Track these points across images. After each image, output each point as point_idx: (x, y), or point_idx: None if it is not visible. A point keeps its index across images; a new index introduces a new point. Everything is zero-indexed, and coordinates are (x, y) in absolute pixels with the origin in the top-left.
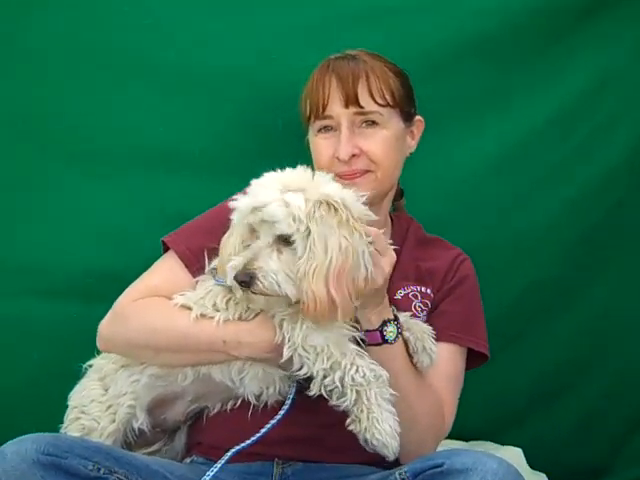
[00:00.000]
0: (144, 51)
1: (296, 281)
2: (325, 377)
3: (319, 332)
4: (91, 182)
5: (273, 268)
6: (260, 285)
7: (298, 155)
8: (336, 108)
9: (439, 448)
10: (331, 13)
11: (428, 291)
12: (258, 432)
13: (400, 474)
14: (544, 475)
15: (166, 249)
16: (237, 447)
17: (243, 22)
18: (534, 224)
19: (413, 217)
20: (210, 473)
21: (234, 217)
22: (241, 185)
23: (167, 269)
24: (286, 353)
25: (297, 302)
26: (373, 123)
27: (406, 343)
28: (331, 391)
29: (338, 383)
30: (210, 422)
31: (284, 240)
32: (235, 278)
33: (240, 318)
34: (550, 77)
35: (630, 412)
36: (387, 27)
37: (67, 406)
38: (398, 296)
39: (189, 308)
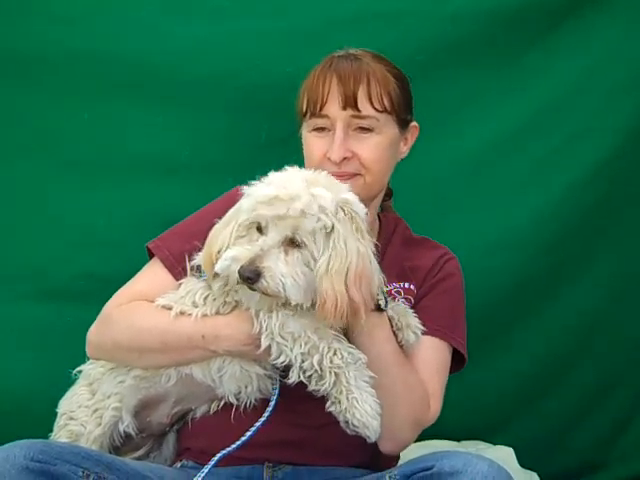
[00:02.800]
0: (131, 60)
1: (302, 285)
2: (304, 362)
3: (295, 319)
4: (82, 188)
5: (282, 270)
6: (265, 285)
7: (283, 160)
8: (333, 109)
9: (430, 450)
10: (314, 19)
11: (411, 287)
12: (244, 435)
13: (390, 477)
14: (535, 474)
15: (151, 255)
16: (223, 451)
17: (228, 28)
18: (517, 224)
19: (402, 217)
20: (197, 478)
21: (244, 204)
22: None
23: (151, 274)
24: (264, 342)
25: (286, 303)
26: (368, 129)
27: (389, 320)
28: (310, 376)
29: (317, 366)
30: (196, 427)
31: (292, 242)
32: (240, 271)
33: (218, 313)
34: (529, 79)
35: (619, 409)
36: (369, 31)
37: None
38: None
39: (170, 308)
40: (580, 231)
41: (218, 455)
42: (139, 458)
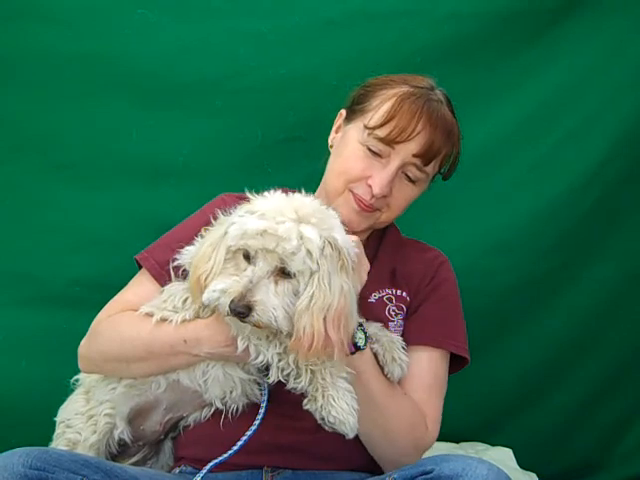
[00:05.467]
0: (125, 62)
1: (292, 315)
2: (280, 361)
3: None
4: (78, 192)
5: (274, 303)
6: (256, 318)
7: (279, 163)
8: (407, 149)
9: (429, 452)
10: (310, 20)
11: (404, 294)
12: (236, 444)
13: None
14: (534, 475)
15: (140, 266)
16: (215, 460)
17: (222, 31)
18: (514, 226)
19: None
20: None
21: (232, 232)
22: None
23: (139, 284)
24: (240, 344)
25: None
26: (413, 180)
27: (375, 355)
28: (288, 374)
29: (292, 365)
30: (190, 435)
31: (283, 272)
32: (231, 307)
33: (198, 317)
34: (527, 79)
35: (619, 410)
36: (365, 32)
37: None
38: (372, 299)
39: (153, 315)
40: (578, 233)
41: (210, 464)
42: (136, 464)
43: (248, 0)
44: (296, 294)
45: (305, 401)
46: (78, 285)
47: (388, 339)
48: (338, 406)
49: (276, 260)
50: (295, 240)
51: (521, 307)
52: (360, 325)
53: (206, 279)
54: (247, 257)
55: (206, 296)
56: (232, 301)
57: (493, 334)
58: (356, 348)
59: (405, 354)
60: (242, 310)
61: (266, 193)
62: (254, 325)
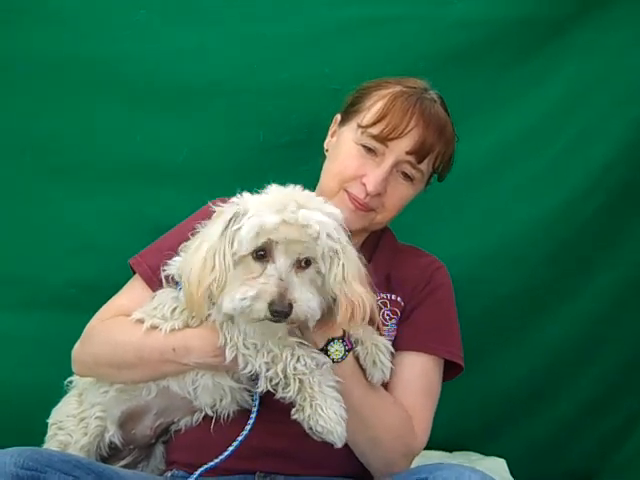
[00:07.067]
0: (126, 65)
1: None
2: (268, 370)
3: (257, 329)
4: (73, 195)
5: (308, 296)
6: (296, 316)
7: (279, 167)
8: (401, 146)
9: (422, 460)
10: (313, 24)
11: (398, 299)
12: (227, 450)
13: None
14: None
15: (134, 271)
16: (205, 465)
17: (223, 34)
18: (515, 234)
19: (388, 226)
20: None
21: (244, 234)
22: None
23: (132, 289)
24: (228, 354)
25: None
26: (410, 177)
27: (357, 358)
28: (277, 384)
29: (281, 374)
30: (181, 440)
31: (303, 262)
32: (274, 309)
33: (187, 326)
34: (530, 88)
35: (613, 421)
36: (370, 38)
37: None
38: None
39: (144, 321)
40: (578, 243)
41: (200, 470)
42: (126, 467)
43: (251, 4)
44: (314, 280)
45: (293, 410)
46: (74, 287)
47: (372, 342)
48: (326, 415)
49: (298, 250)
50: (317, 225)
51: (519, 316)
52: (342, 338)
53: (217, 288)
54: (259, 257)
55: (231, 306)
56: (271, 303)
57: (489, 343)
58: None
59: (388, 358)
60: (286, 310)
61: (245, 194)
62: (290, 323)
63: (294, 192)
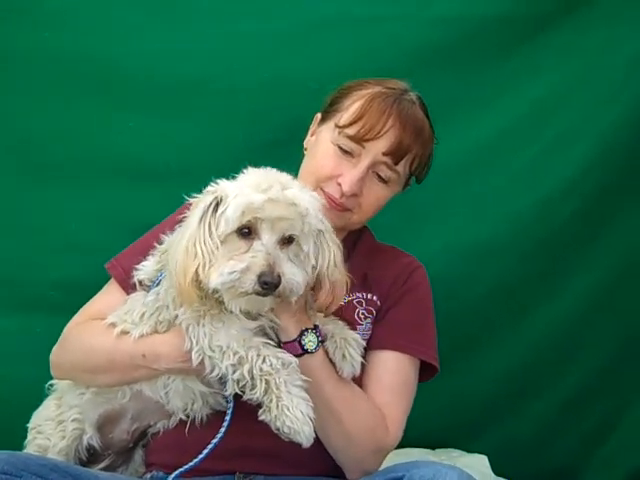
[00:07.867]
0: (110, 62)
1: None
2: (234, 372)
3: (223, 331)
4: (57, 195)
5: (294, 271)
6: (282, 289)
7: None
8: (377, 147)
9: (403, 458)
10: (294, 23)
11: (374, 298)
12: (201, 453)
13: None
14: None
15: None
16: (181, 469)
17: (205, 33)
18: (495, 232)
19: (367, 225)
20: None
21: (230, 213)
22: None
23: (107, 292)
24: (195, 358)
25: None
26: (385, 180)
27: (326, 352)
28: (244, 386)
29: (247, 376)
30: (159, 442)
31: (283, 240)
32: (265, 280)
33: (156, 331)
34: (512, 85)
35: (596, 419)
36: (351, 36)
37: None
38: (342, 302)
39: (117, 326)
40: (556, 242)
41: (176, 472)
42: (105, 469)
43: (233, 3)
44: (297, 257)
45: (260, 411)
46: (56, 288)
47: (341, 337)
48: (293, 415)
49: (284, 228)
50: (305, 202)
51: (499, 314)
52: (314, 328)
53: (203, 272)
54: (244, 235)
55: (220, 280)
56: (261, 275)
57: (471, 340)
58: (304, 351)
59: (358, 352)
60: (275, 281)
61: (220, 181)
62: (277, 297)
63: (276, 173)
